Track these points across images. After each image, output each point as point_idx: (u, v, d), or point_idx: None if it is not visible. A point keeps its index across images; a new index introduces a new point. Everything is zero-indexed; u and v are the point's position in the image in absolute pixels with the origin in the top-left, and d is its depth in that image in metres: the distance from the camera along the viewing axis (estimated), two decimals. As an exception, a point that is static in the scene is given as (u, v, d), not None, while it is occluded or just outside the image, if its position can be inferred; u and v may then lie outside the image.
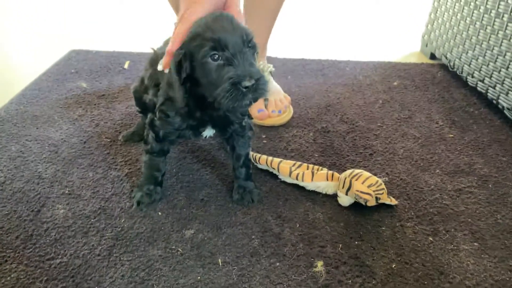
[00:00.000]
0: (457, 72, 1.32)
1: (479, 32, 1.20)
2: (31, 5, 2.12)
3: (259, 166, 0.89)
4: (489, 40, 1.15)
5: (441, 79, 1.34)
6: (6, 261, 0.66)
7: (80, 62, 1.39)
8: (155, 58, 0.82)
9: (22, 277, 0.64)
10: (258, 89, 0.61)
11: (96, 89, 1.21)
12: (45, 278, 0.64)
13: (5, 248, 0.69)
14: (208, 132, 0.77)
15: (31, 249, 0.69)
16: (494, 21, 1.12)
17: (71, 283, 0.63)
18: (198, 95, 0.68)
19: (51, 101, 1.14)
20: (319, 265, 0.67)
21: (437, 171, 0.90)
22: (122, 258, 0.67)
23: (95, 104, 1.13)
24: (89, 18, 1.96)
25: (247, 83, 0.60)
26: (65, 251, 0.69)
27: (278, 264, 0.67)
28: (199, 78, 0.65)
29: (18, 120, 1.05)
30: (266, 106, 1.06)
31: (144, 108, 0.89)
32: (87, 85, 1.24)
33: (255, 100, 0.63)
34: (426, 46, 1.55)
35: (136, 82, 0.89)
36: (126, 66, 1.37)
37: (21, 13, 2.01)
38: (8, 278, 0.63)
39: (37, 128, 1.02)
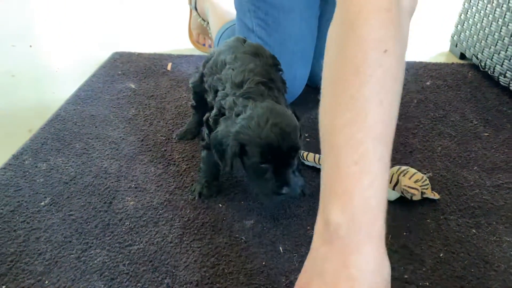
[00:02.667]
0: (489, 72, 1.36)
1: None
2: (59, 8, 2.22)
3: (306, 163, 0.95)
4: (522, 41, 1.19)
5: (472, 79, 1.38)
6: (90, 247, 0.74)
7: (125, 64, 1.47)
8: (210, 58, 0.90)
9: (107, 261, 0.71)
10: (291, 193, 0.72)
11: (145, 90, 1.29)
12: (127, 262, 0.71)
13: (87, 235, 0.77)
14: None
15: (110, 237, 0.76)
16: (528, 23, 1.16)
17: (151, 266, 0.71)
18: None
19: (105, 102, 1.23)
20: (372, 253, 0.73)
21: (475, 168, 0.95)
22: (192, 245, 0.75)
23: (146, 105, 1.21)
24: (122, 21, 2.04)
25: (284, 191, 0.71)
26: (140, 238, 0.76)
27: (334, 252, 0.73)
28: (245, 166, 0.75)
29: (77, 119, 1.14)
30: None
31: (200, 103, 0.96)
32: (136, 86, 1.32)
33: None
34: (456, 46, 1.59)
35: (194, 77, 0.97)
36: (169, 68, 1.44)
37: (52, 14, 2.11)
38: (95, 261, 0.71)
39: (95, 127, 1.10)
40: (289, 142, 0.69)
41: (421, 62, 1.51)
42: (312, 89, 1.31)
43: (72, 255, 0.73)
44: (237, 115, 0.73)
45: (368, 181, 0.46)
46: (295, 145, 0.70)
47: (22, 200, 0.85)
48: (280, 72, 0.90)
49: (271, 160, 0.70)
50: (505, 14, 1.26)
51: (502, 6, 1.28)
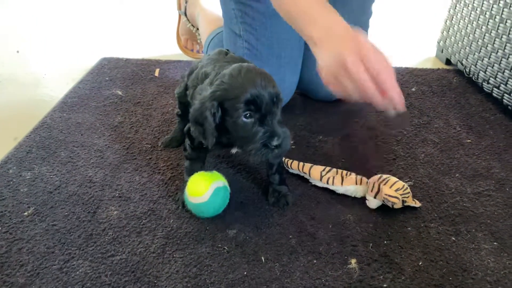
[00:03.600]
0: (473, 78, 1.38)
1: (494, 40, 1.26)
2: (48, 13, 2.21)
3: (291, 170, 0.96)
4: (504, 48, 1.21)
5: (457, 85, 1.40)
6: (73, 257, 0.75)
7: (112, 70, 1.47)
8: (193, 70, 0.91)
9: (89, 271, 0.72)
10: (282, 145, 0.70)
11: (131, 97, 1.29)
12: (110, 272, 0.72)
13: (70, 246, 0.77)
14: (236, 149, 0.83)
15: (93, 247, 0.77)
16: (510, 30, 1.18)
17: (133, 277, 0.71)
18: (224, 133, 0.75)
19: (91, 109, 1.23)
20: (353, 262, 0.74)
21: (457, 175, 0.97)
22: (174, 255, 0.75)
23: (132, 111, 1.21)
24: (110, 26, 2.04)
25: (275, 143, 0.69)
26: (123, 249, 0.76)
27: (315, 261, 0.75)
28: (230, 129, 0.73)
29: (63, 127, 1.13)
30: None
31: (186, 112, 0.96)
32: (122, 92, 1.32)
33: (279, 154, 0.73)
34: (442, 52, 1.61)
35: (179, 87, 0.97)
36: (156, 73, 1.45)
37: (41, 21, 2.10)
38: (77, 272, 0.72)
39: (81, 135, 1.10)
40: (270, 88, 0.68)
41: (407, 68, 1.53)
42: (299, 96, 1.32)
43: (54, 266, 0.73)
44: (211, 84, 0.73)
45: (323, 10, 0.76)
46: (276, 91, 0.69)
47: (5, 210, 0.85)
48: None
49: (254, 111, 0.69)
50: (488, 21, 1.28)
51: (485, 14, 1.30)
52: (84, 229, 0.81)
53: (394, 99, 0.67)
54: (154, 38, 1.85)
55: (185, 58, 1.61)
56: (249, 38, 1.13)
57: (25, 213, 0.84)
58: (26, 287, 0.69)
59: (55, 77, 1.50)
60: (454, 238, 0.80)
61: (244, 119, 0.70)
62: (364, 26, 1.25)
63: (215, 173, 0.84)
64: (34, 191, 0.90)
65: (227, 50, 0.92)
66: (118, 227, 0.81)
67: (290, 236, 0.80)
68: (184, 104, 0.96)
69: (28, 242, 0.78)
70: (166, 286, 0.69)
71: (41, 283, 0.70)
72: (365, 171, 0.92)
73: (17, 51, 1.71)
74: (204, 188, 0.79)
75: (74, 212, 0.85)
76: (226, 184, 0.84)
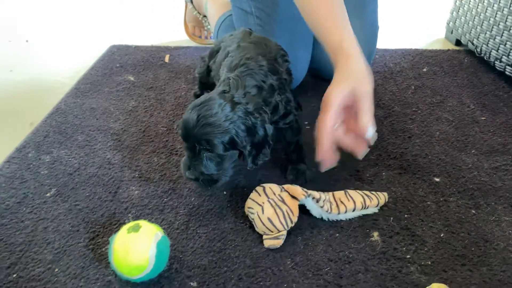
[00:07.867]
0: (484, 57, 1.37)
1: (507, 18, 1.25)
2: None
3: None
4: (517, 26, 1.20)
5: (468, 65, 1.40)
6: (98, 235, 0.76)
7: (122, 57, 1.47)
8: (216, 50, 0.91)
9: (115, 248, 0.72)
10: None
11: (143, 82, 1.29)
12: (135, 249, 0.72)
13: (94, 224, 0.78)
14: None
15: (116, 225, 0.78)
16: (523, 7, 1.17)
17: (158, 252, 0.72)
18: None
19: (104, 94, 1.23)
20: (375, 235, 0.75)
21: (473, 151, 0.97)
22: (198, 231, 0.76)
23: (145, 96, 1.21)
24: (118, 14, 2.04)
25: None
26: (147, 226, 0.77)
27: (337, 235, 0.75)
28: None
29: (78, 112, 1.14)
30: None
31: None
32: (134, 78, 1.32)
33: None
34: (451, 32, 1.60)
35: (200, 67, 0.97)
36: (166, 59, 1.45)
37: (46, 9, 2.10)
38: (103, 249, 0.72)
39: (97, 119, 1.11)
40: (195, 136, 0.72)
41: (417, 49, 1.52)
42: (311, 78, 1.32)
43: (80, 244, 0.74)
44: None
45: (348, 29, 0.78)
46: (202, 137, 0.71)
47: (28, 192, 0.86)
48: (287, 63, 0.90)
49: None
50: None
51: (497, -8, 1.29)
52: (106, 208, 0.82)
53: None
54: (162, 25, 1.84)
55: (194, 44, 1.61)
56: (260, 15, 1.13)
57: (48, 194, 0.85)
58: (55, 263, 0.70)
59: (65, 65, 1.50)
60: (474, 211, 0.80)
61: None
62: (373, 14, 1.25)
63: (143, 223, 0.67)
64: (54, 173, 0.91)
65: (251, 29, 0.92)
66: (140, 206, 0.82)
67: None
68: (205, 85, 0.96)
69: (52, 221, 0.79)
70: (192, 260, 0.70)
71: (68, 259, 0.71)
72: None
73: (27, 41, 1.72)
74: (144, 259, 0.63)
75: (96, 193, 0.85)
76: (161, 231, 0.68)
